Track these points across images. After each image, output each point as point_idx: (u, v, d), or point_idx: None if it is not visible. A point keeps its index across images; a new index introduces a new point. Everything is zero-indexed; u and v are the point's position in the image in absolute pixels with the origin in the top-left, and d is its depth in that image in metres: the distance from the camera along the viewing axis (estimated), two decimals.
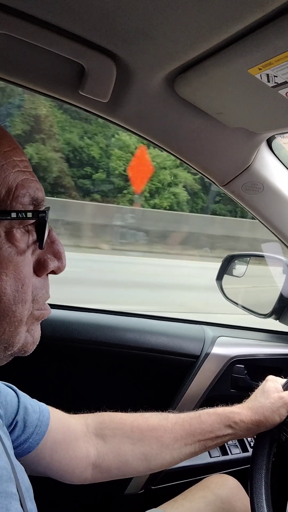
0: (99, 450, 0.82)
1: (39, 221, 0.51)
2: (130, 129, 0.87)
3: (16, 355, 0.54)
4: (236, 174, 0.98)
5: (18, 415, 0.74)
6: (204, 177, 1.01)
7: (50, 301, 0.58)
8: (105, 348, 1.23)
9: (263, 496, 0.80)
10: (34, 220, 0.51)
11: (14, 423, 0.73)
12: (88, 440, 0.83)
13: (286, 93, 0.62)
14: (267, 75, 0.59)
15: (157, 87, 0.75)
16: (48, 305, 0.57)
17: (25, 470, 0.63)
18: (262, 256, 1.61)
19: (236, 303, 1.51)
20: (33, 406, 0.78)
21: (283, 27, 0.50)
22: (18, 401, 0.75)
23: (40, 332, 0.57)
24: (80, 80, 0.73)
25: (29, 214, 0.49)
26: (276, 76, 0.58)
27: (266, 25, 0.52)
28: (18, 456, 0.72)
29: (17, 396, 0.76)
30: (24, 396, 0.78)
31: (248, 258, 1.66)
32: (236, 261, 1.57)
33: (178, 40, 0.59)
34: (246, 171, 0.97)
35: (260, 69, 0.58)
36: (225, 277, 1.53)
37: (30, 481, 0.62)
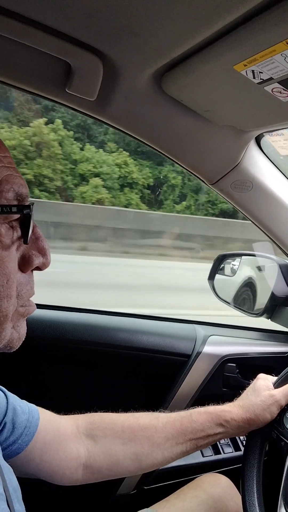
0: (89, 450, 0.82)
1: (24, 216, 0.51)
2: (118, 127, 0.87)
3: (1, 351, 0.54)
4: (225, 172, 0.98)
5: (7, 416, 0.73)
6: (193, 175, 1.01)
7: (41, 301, 0.58)
8: (96, 348, 1.22)
9: (255, 494, 0.80)
10: (19, 216, 0.51)
11: (2, 424, 0.72)
12: (79, 440, 0.82)
13: (272, 90, 0.63)
14: (253, 71, 0.59)
15: (144, 85, 0.75)
16: (33, 302, 0.57)
17: (15, 472, 0.62)
18: (254, 255, 1.61)
19: (228, 303, 1.51)
20: (22, 407, 0.77)
21: (267, 22, 0.50)
22: (7, 402, 0.75)
23: (26, 328, 0.57)
24: (67, 78, 0.73)
25: (14, 209, 0.50)
26: (262, 72, 0.59)
27: (249, 21, 0.52)
28: (7, 457, 0.72)
29: (6, 397, 0.76)
30: (13, 397, 0.78)
31: (240, 258, 1.67)
32: (227, 260, 1.58)
33: (164, 37, 0.59)
34: (235, 169, 0.97)
35: (245, 65, 0.58)
36: (217, 276, 1.53)
37: (20, 482, 0.62)
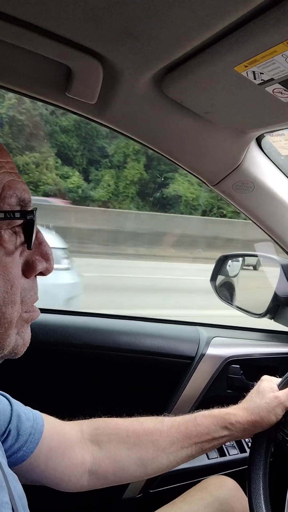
0: (94, 456, 0.81)
1: (27, 221, 0.51)
2: (119, 130, 0.87)
3: (6, 357, 0.54)
4: (226, 173, 0.98)
5: (11, 423, 0.73)
6: (194, 177, 1.01)
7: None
8: (99, 352, 1.22)
9: (262, 496, 0.80)
10: (22, 221, 0.51)
11: (7, 432, 0.72)
12: (84, 446, 0.82)
13: (273, 90, 0.62)
14: (253, 72, 0.59)
15: (144, 88, 0.74)
16: (37, 307, 0.57)
17: (20, 479, 0.62)
18: (256, 256, 1.61)
19: (230, 303, 1.50)
20: (27, 414, 0.77)
21: (267, 24, 0.50)
22: (11, 409, 0.74)
23: (30, 334, 0.57)
24: (67, 82, 0.73)
25: (17, 215, 0.49)
26: (262, 73, 0.58)
27: (249, 22, 0.52)
28: (12, 465, 0.71)
29: (10, 404, 0.75)
30: (17, 404, 0.77)
31: (242, 258, 1.66)
32: (229, 261, 1.57)
33: (164, 40, 0.59)
34: (236, 171, 0.97)
35: (246, 66, 0.58)
36: (219, 277, 1.53)
37: (25, 489, 0.62)
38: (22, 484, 0.61)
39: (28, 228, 0.51)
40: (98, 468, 0.81)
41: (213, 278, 1.52)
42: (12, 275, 0.50)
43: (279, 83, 0.60)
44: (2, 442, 0.69)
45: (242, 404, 0.91)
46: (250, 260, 1.63)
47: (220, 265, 1.52)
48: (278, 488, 0.92)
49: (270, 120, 0.77)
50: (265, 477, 0.84)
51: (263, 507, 0.78)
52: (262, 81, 0.60)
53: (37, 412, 0.80)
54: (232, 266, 1.58)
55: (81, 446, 0.81)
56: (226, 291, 1.55)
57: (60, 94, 0.76)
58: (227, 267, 1.54)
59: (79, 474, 0.80)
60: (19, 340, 0.54)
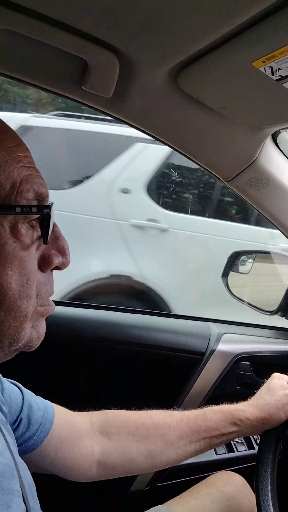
0: (103, 447, 0.82)
1: (44, 216, 0.51)
2: (134, 124, 0.87)
3: (21, 350, 0.54)
4: (241, 169, 0.97)
5: (23, 412, 0.74)
6: (208, 172, 1.00)
7: (55, 298, 0.58)
8: (110, 345, 1.23)
9: (269, 493, 0.80)
10: (39, 215, 0.51)
11: (18, 421, 0.73)
12: (93, 437, 0.83)
13: None
14: (271, 68, 0.58)
15: (160, 82, 0.74)
16: (52, 301, 0.58)
17: (30, 467, 0.63)
18: (269, 253, 1.60)
19: (242, 300, 1.50)
20: (38, 403, 0.78)
21: (286, 19, 0.49)
22: (23, 399, 0.75)
23: (45, 328, 0.57)
24: (83, 76, 0.73)
25: (34, 209, 0.50)
26: (280, 69, 0.58)
27: (269, 17, 0.51)
28: (22, 453, 0.72)
29: (22, 393, 0.76)
30: (28, 393, 0.78)
31: (254, 255, 1.66)
32: (242, 258, 1.57)
33: (181, 34, 0.59)
34: (251, 167, 0.96)
35: (264, 62, 0.57)
36: (231, 274, 1.52)
37: (33, 478, 0.62)
38: (31, 473, 0.62)
39: (45, 222, 0.52)
40: (107, 459, 0.81)
41: (225, 275, 1.52)
42: (28, 269, 0.50)
43: None
44: (13, 431, 0.70)
45: (252, 401, 0.91)
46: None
47: (232, 262, 1.51)
48: (286, 486, 0.92)
49: (286, 116, 0.76)
50: (273, 474, 0.84)
51: (271, 505, 0.77)
52: (280, 77, 0.60)
53: (48, 402, 0.81)
54: (244, 263, 1.57)
55: (90, 437, 0.82)
56: (237, 288, 1.54)
57: (76, 87, 0.76)
58: (239, 263, 1.54)
59: (88, 464, 0.81)
60: (34, 334, 0.54)
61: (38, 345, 0.56)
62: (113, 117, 0.86)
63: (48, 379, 1.16)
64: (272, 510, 0.75)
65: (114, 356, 1.26)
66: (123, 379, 1.29)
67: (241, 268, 1.58)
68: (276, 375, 0.97)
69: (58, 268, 0.56)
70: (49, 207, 0.51)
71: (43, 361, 1.15)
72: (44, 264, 0.54)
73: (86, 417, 0.85)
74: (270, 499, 0.78)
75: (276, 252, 1.44)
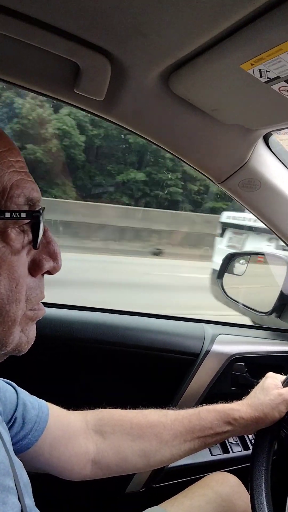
0: (98, 446, 0.83)
1: (34, 221, 0.52)
2: (126, 127, 0.88)
3: (10, 354, 0.55)
4: (233, 171, 0.98)
5: (17, 411, 0.74)
6: (201, 174, 1.01)
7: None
8: (105, 347, 1.23)
9: (263, 493, 0.80)
10: (29, 220, 0.51)
11: (13, 419, 0.73)
12: (88, 436, 0.83)
13: (279, 88, 0.63)
14: (260, 70, 0.59)
15: (152, 85, 0.75)
16: (43, 305, 0.58)
17: (25, 467, 0.63)
18: (263, 254, 1.61)
19: (237, 302, 1.51)
20: (32, 402, 0.78)
21: (273, 21, 0.50)
22: (17, 398, 0.76)
23: (35, 332, 0.57)
24: (75, 79, 0.73)
25: (23, 214, 0.50)
26: (269, 71, 0.59)
27: (256, 20, 0.52)
28: (17, 452, 0.73)
29: (16, 392, 0.77)
30: (23, 392, 0.79)
31: (249, 256, 1.67)
32: (236, 259, 1.58)
33: (171, 37, 0.59)
34: (243, 168, 0.97)
35: (252, 64, 0.58)
36: (225, 275, 1.53)
37: (30, 478, 0.63)
38: (27, 472, 0.63)
39: (35, 227, 0.52)
40: (102, 459, 0.82)
41: (220, 276, 1.52)
42: (17, 274, 0.50)
43: (285, 81, 0.60)
44: (8, 430, 0.71)
45: (246, 400, 0.91)
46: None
47: (227, 263, 1.52)
48: (281, 485, 0.92)
49: (276, 118, 0.77)
50: (267, 474, 0.84)
51: (265, 504, 0.78)
52: (268, 79, 0.61)
53: (42, 401, 0.81)
54: (239, 264, 1.58)
55: (85, 436, 0.83)
56: (232, 289, 1.55)
57: (68, 90, 0.76)
58: (234, 265, 1.55)
59: (83, 463, 0.81)
60: (23, 338, 0.54)
61: (27, 349, 0.56)
62: (105, 120, 0.86)
63: (43, 380, 1.16)
64: (266, 511, 0.76)
65: (109, 357, 1.26)
66: (118, 381, 1.29)
67: (236, 270, 1.59)
68: (270, 375, 0.97)
69: (49, 272, 0.57)
70: (39, 212, 0.52)
71: (38, 362, 1.15)
72: (35, 268, 0.54)
73: (81, 416, 0.86)
74: (265, 499, 0.79)
75: (271, 253, 1.45)
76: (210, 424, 0.86)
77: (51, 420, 0.79)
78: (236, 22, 0.53)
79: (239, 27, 0.54)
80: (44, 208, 0.54)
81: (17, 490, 0.53)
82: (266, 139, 0.97)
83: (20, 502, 0.53)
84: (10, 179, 0.49)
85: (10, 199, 0.49)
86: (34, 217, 0.51)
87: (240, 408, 0.89)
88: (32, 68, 0.74)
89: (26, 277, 0.53)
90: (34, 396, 0.81)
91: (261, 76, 0.60)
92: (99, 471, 0.82)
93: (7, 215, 0.49)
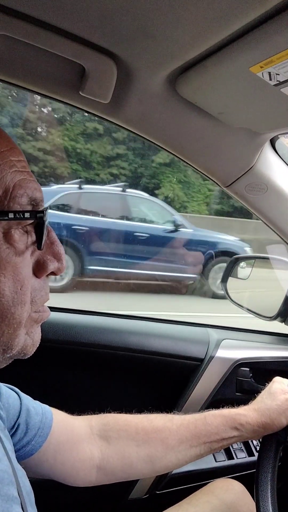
0: (103, 452, 0.81)
1: (38, 221, 0.51)
2: (132, 130, 0.87)
3: (15, 357, 0.54)
4: (239, 175, 0.97)
5: (20, 417, 0.73)
6: (207, 178, 1.00)
7: (52, 304, 0.57)
8: (108, 351, 1.22)
9: (269, 500, 0.79)
10: (33, 221, 0.50)
11: (16, 426, 0.72)
12: (92, 442, 0.82)
13: None
14: (269, 73, 0.58)
15: (158, 88, 0.74)
16: (47, 307, 0.57)
17: (28, 473, 0.62)
18: (268, 258, 1.60)
19: (241, 306, 1.50)
20: (36, 408, 0.77)
21: (284, 24, 0.50)
22: (20, 403, 0.75)
23: (40, 334, 0.57)
24: (81, 81, 0.73)
25: (27, 215, 0.49)
26: (278, 74, 0.58)
27: (266, 22, 0.52)
28: (20, 458, 0.72)
29: (19, 398, 0.76)
30: (26, 398, 0.78)
31: (253, 260, 1.65)
32: (241, 263, 1.56)
33: (178, 39, 0.59)
34: (250, 172, 0.97)
35: (261, 67, 0.57)
36: (230, 279, 1.52)
37: (32, 485, 0.62)
38: (29, 479, 0.62)
39: (39, 227, 0.51)
40: (106, 464, 0.81)
41: (224, 280, 1.51)
42: (22, 275, 0.49)
43: None
44: (11, 436, 0.70)
45: (253, 405, 0.90)
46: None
47: (231, 267, 1.51)
48: (286, 492, 0.91)
49: (285, 121, 0.76)
50: (273, 481, 0.83)
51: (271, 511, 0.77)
52: (278, 82, 0.60)
53: (46, 406, 0.80)
54: (243, 268, 1.57)
55: (89, 441, 0.82)
56: (236, 293, 1.54)
57: (74, 93, 0.76)
58: (239, 269, 1.54)
59: (87, 469, 0.80)
60: (28, 340, 0.54)
61: (33, 352, 0.55)
62: (111, 123, 0.86)
63: (47, 385, 1.16)
64: None
65: (113, 362, 1.25)
66: (122, 386, 1.28)
67: (240, 274, 1.58)
68: (277, 379, 0.96)
69: (53, 273, 0.56)
70: (42, 212, 0.51)
71: (42, 367, 1.14)
72: (39, 269, 0.53)
73: (85, 421, 0.85)
74: (270, 506, 0.78)
75: (275, 257, 1.43)
76: (216, 429, 0.85)
77: (55, 425, 0.78)
78: (246, 24, 0.52)
79: (249, 29, 0.54)
80: (47, 208, 0.53)
81: (20, 499, 0.52)
82: (273, 142, 0.97)
83: (23, 511, 0.52)
84: (12, 179, 0.48)
85: (13, 199, 0.48)
86: (37, 217, 0.50)
87: (247, 413, 0.88)
88: (37, 70, 0.73)
89: (30, 279, 0.52)
90: (38, 402, 0.80)
91: (270, 79, 0.60)
92: (103, 477, 0.81)
93: (11, 215, 0.48)
